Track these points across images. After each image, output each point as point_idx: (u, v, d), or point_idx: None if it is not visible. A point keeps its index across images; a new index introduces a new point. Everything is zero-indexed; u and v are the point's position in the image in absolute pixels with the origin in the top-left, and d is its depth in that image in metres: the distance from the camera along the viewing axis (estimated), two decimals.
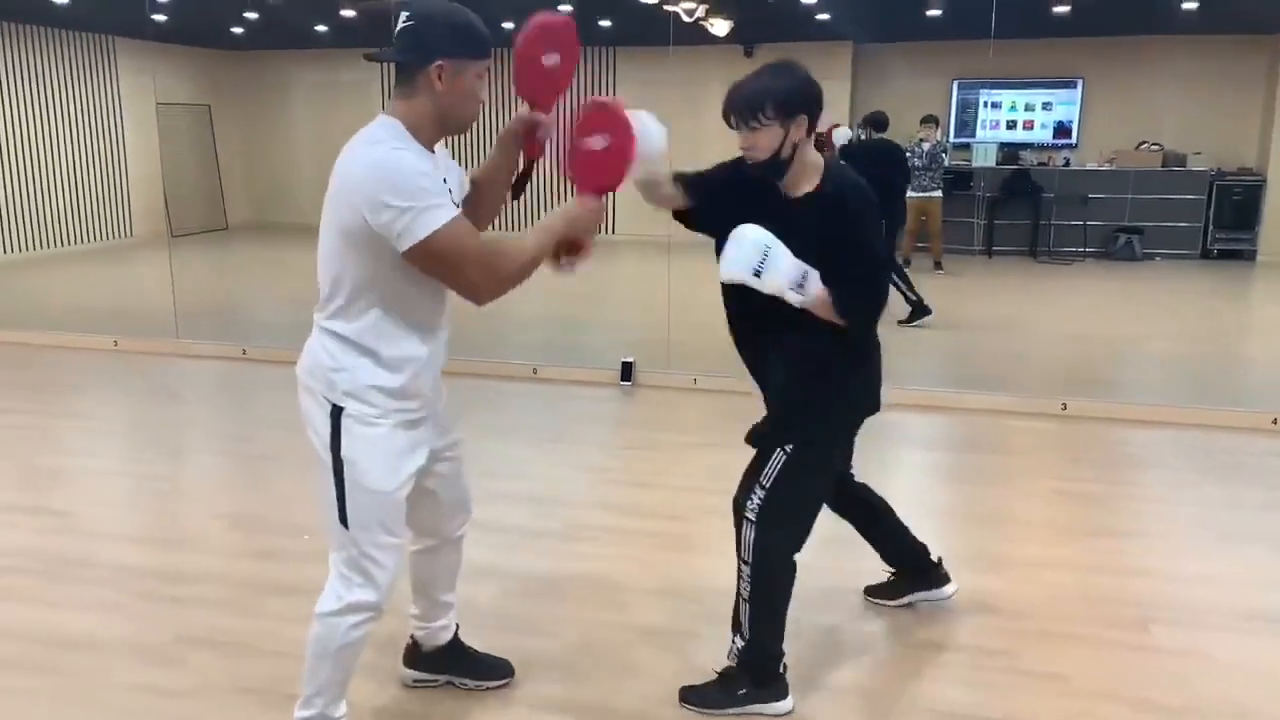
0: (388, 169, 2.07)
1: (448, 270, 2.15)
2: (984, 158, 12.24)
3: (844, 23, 10.93)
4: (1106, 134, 12.22)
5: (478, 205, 2.41)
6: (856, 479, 3.14)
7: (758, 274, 2.41)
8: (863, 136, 8.30)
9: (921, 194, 9.98)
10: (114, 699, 2.74)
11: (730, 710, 2.66)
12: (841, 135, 8.11)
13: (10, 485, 4.47)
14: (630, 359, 6.18)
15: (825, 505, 3.11)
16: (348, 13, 10.23)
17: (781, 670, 2.69)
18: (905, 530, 3.18)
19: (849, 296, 2.46)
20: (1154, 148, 11.99)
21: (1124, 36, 11.78)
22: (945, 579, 3.22)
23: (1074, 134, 12.40)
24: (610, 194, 2.42)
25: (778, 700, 2.67)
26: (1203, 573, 3.56)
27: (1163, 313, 9.17)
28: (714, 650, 2.79)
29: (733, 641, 2.71)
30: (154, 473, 4.69)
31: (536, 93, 2.48)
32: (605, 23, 11.60)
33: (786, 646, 2.71)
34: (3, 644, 3.03)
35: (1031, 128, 12.54)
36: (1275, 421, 5.29)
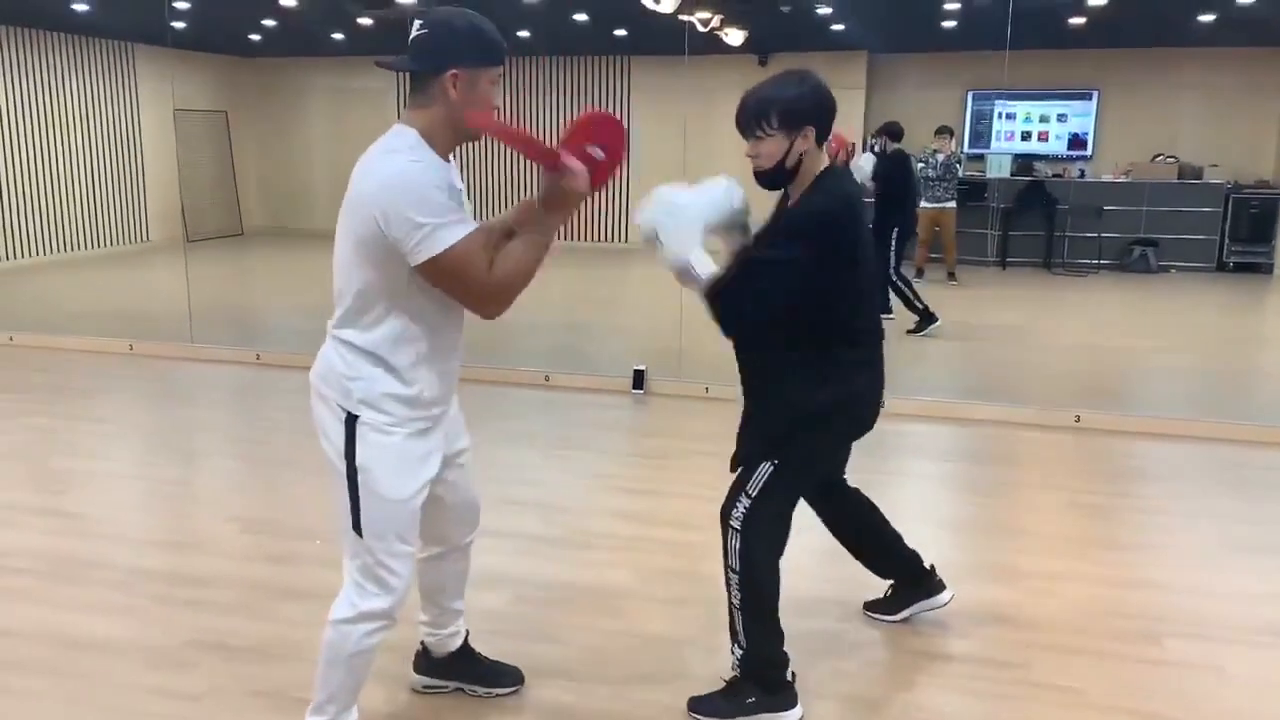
0: (404, 182, 2.08)
1: (457, 286, 2.16)
2: (998, 169, 12.21)
3: (858, 33, 10.93)
4: (1122, 146, 12.18)
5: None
6: (850, 484, 3.12)
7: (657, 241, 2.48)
8: (876, 148, 8.29)
9: (936, 205, 9.97)
10: (125, 702, 2.75)
11: (738, 719, 2.65)
12: (865, 163, 8.07)
13: (24, 487, 4.50)
14: (642, 367, 6.18)
15: (821, 522, 3.12)
16: (364, 20, 10.30)
17: (790, 678, 2.69)
18: (898, 540, 3.16)
19: (723, 279, 2.47)
20: (1170, 160, 11.95)
21: (1140, 48, 11.75)
22: (940, 586, 3.20)
23: (1089, 146, 12.37)
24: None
25: (786, 709, 2.66)
26: (1217, 586, 3.54)
27: (1177, 326, 9.13)
28: (723, 659, 2.78)
29: (733, 651, 2.70)
30: (167, 476, 4.71)
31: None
32: (621, 32, 11.63)
33: (794, 655, 2.70)
34: (15, 645, 3.04)
35: (1046, 139, 12.51)
36: None
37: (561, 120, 13.27)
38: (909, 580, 3.21)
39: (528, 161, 2.46)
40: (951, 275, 10.41)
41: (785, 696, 2.67)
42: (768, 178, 2.57)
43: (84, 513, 4.15)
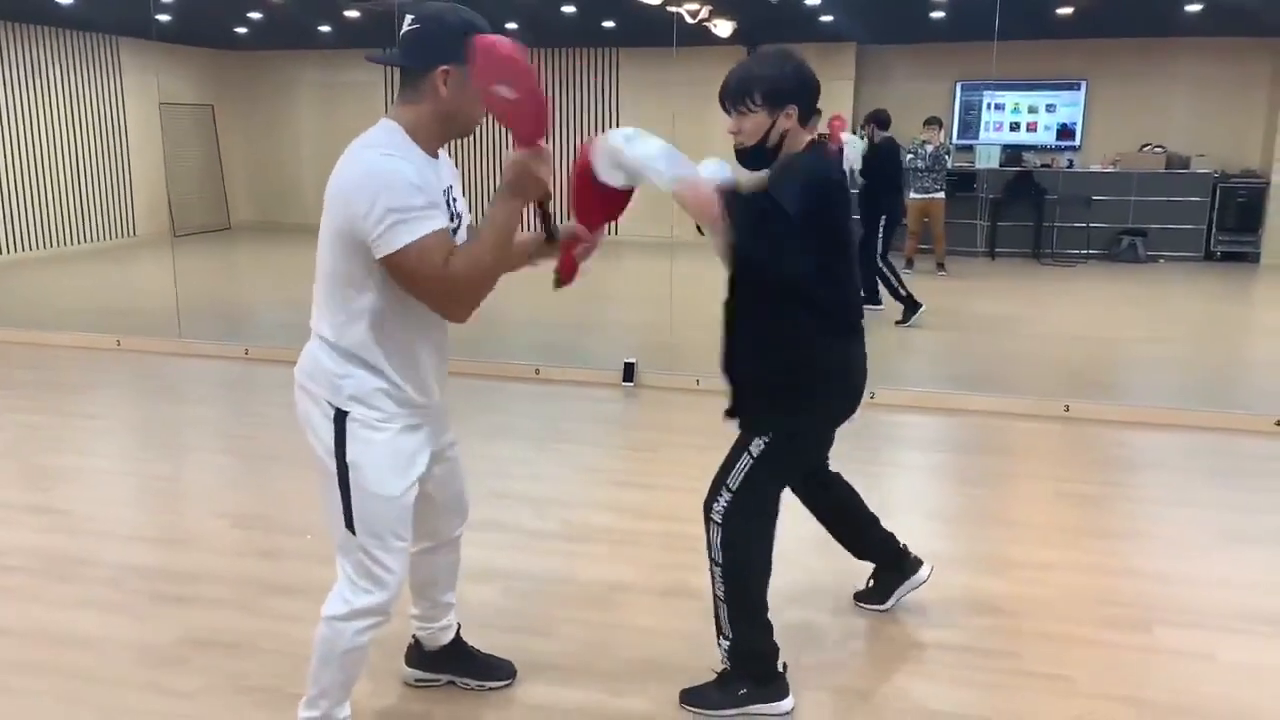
0: (373, 176, 2.05)
1: (416, 283, 2.10)
2: (987, 159, 12.23)
3: (847, 24, 10.92)
4: (1110, 136, 12.21)
5: None
6: (831, 469, 3.13)
7: (628, 139, 2.41)
8: (863, 135, 8.30)
9: (924, 195, 9.99)
10: (118, 699, 2.74)
11: (730, 711, 2.66)
12: (854, 147, 8.08)
13: (13, 484, 4.48)
14: (632, 360, 6.18)
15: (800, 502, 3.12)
16: (351, 13, 10.26)
17: (781, 670, 2.69)
18: (875, 523, 3.17)
19: (742, 213, 2.40)
20: (1157, 150, 11.98)
21: (1128, 39, 11.76)
22: (918, 563, 3.21)
23: (1077, 136, 12.39)
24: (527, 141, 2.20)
25: (778, 700, 2.67)
26: (1206, 574, 3.56)
27: (1166, 315, 9.17)
28: (715, 652, 2.78)
29: (719, 644, 2.70)
30: (156, 472, 4.69)
31: (588, 212, 2.49)
32: (609, 24, 11.61)
33: (785, 646, 2.71)
34: (6, 643, 3.03)
35: (1035, 129, 12.52)
36: (1278, 424, 5.28)
37: (550, 113, 13.24)
38: (888, 564, 3.22)
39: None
40: (941, 266, 10.43)
41: (777, 687, 2.68)
42: (750, 155, 2.56)
43: (74, 509, 4.13)
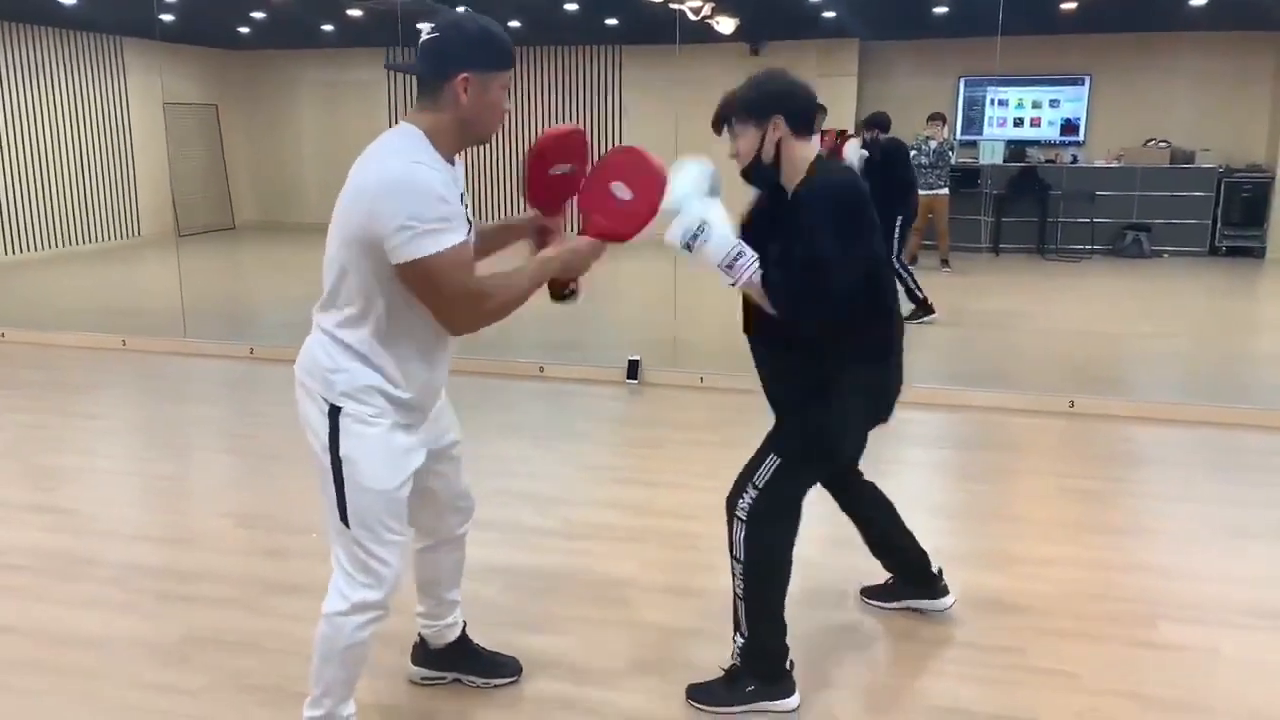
0: (402, 183, 2.06)
1: (431, 295, 2.13)
2: (991, 155, 12.21)
3: (850, 20, 10.91)
4: (1114, 131, 12.18)
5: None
6: (865, 479, 3.13)
7: (689, 248, 2.41)
8: (867, 139, 8.25)
9: (928, 191, 9.95)
10: (122, 698, 2.75)
11: (737, 707, 2.66)
12: (852, 150, 8.05)
13: (18, 483, 4.49)
14: (636, 357, 6.18)
15: (836, 505, 3.12)
16: (354, 12, 10.26)
17: (788, 667, 2.70)
18: (910, 539, 3.16)
19: (780, 280, 2.42)
20: (1162, 145, 11.95)
21: (1131, 33, 11.74)
22: (944, 591, 3.20)
23: (1081, 131, 12.37)
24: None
25: (784, 697, 2.67)
26: (1211, 570, 3.55)
27: (1170, 310, 9.15)
28: (721, 648, 2.79)
29: (734, 640, 2.71)
30: (161, 471, 4.70)
31: (546, 202, 2.49)
32: (611, 21, 11.60)
33: (792, 644, 2.71)
34: (11, 643, 3.04)
35: (1039, 125, 12.50)
36: None
37: (553, 110, 13.24)
38: (916, 582, 3.21)
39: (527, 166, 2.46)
40: (945, 262, 10.41)
41: (783, 685, 2.68)
42: (753, 174, 2.58)
43: (78, 509, 4.14)
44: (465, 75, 2.13)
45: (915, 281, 7.86)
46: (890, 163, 7.96)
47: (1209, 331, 8.10)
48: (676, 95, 8.77)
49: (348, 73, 13.91)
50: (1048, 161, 12.21)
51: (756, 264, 2.43)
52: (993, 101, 12.48)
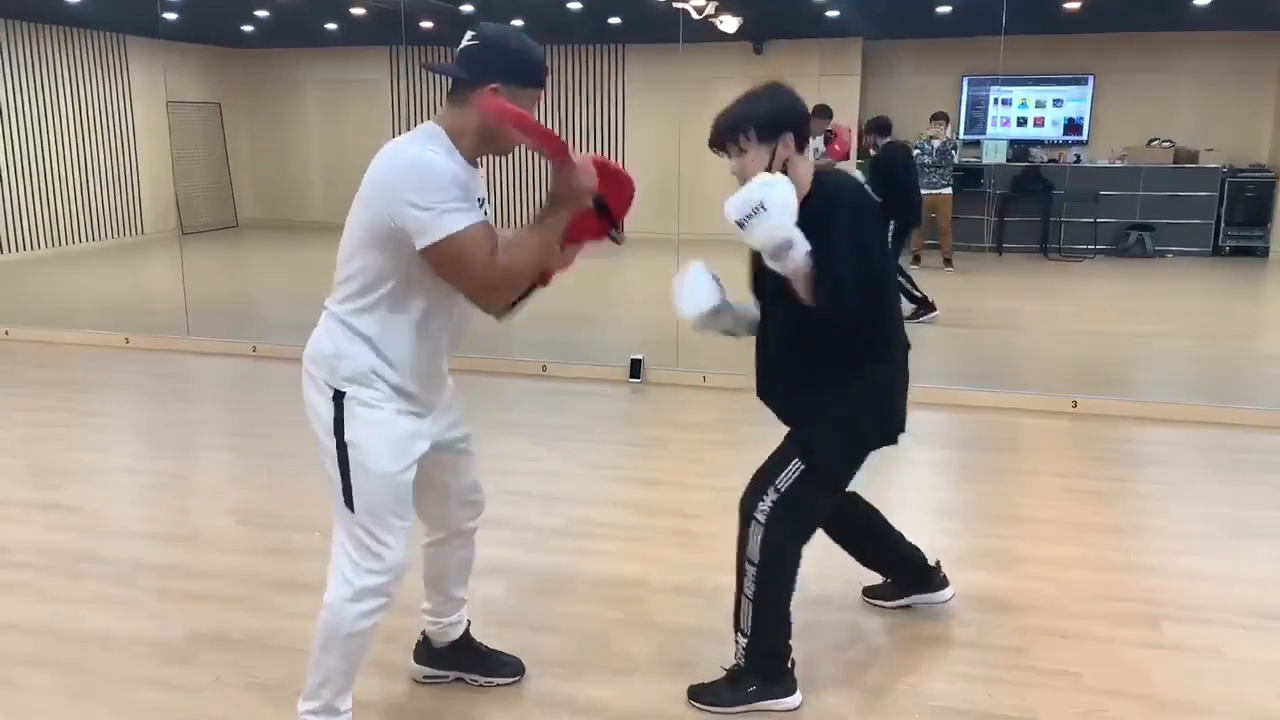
0: (417, 168, 2.12)
1: (457, 273, 2.17)
2: (994, 155, 12.21)
3: (854, 19, 10.90)
4: (1117, 131, 12.17)
5: None
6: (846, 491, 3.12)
7: (742, 225, 2.40)
8: (867, 144, 8.24)
9: (931, 191, 9.96)
10: (127, 695, 2.76)
11: (739, 707, 2.66)
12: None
13: (22, 482, 4.50)
14: (639, 356, 6.18)
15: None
16: (358, 10, 10.26)
17: (790, 666, 2.70)
18: (899, 538, 3.16)
19: (827, 273, 2.42)
20: (1165, 144, 11.94)
21: (1135, 33, 11.73)
22: (944, 582, 3.21)
23: (1085, 131, 12.36)
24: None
25: (786, 696, 2.68)
26: (1214, 570, 3.55)
27: (1174, 310, 9.13)
28: (724, 647, 2.79)
29: (735, 640, 2.71)
30: (165, 469, 4.71)
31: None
32: (615, 20, 11.59)
33: (794, 643, 2.71)
34: (16, 639, 3.05)
35: (1042, 124, 12.50)
36: None
37: (556, 109, 13.24)
38: (912, 578, 3.21)
39: (534, 178, 2.47)
40: (948, 262, 10.41)
41: (785, 684, 2.68)
42: None
43: (83, 507, 4.15)
44: (495, 85, 2.18)
45: (911, 281, 7.86)
46: (908, 169, 7.95)
47: (1212, 332, 8.09)
48: (679, 94, 8.77)
49: (351, 71, 13.92)
50: (1051, 161, 12.20)
51: (806, 255, 2.41)
52: (996, 101, 12.48)
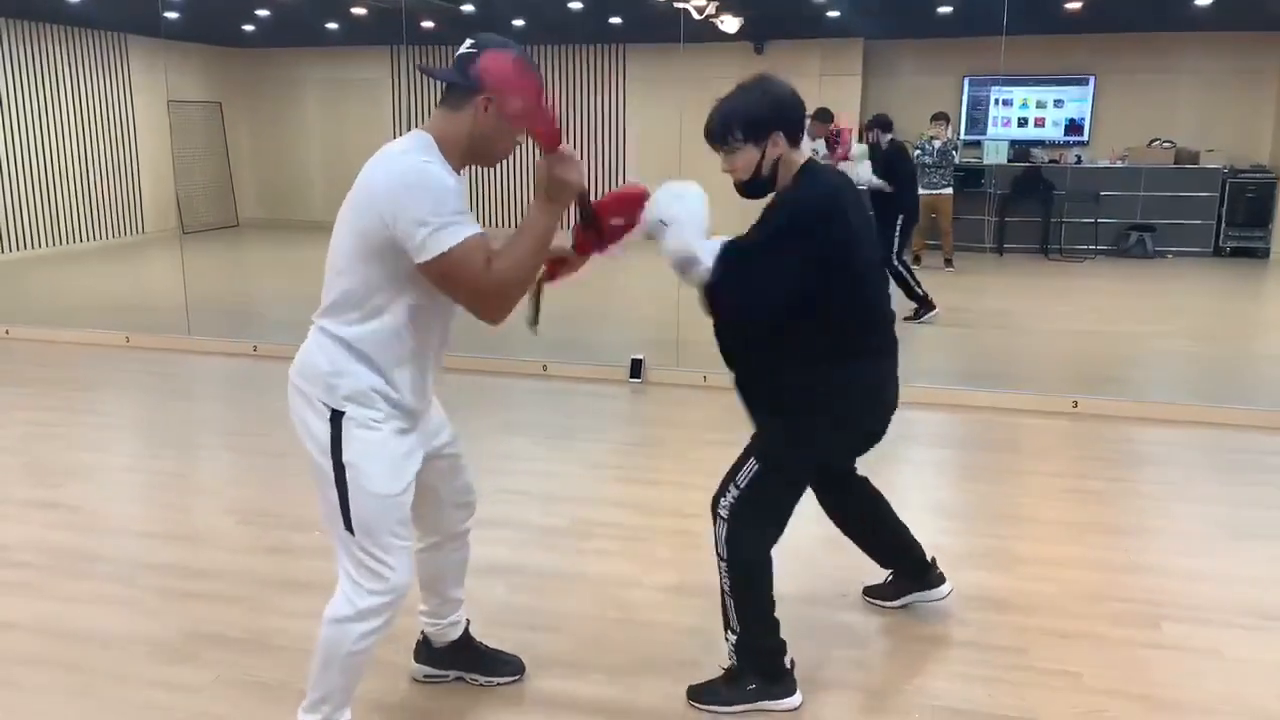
0: (415, 180, 2.09)
1: (456, 286, 2.15)
2: (995, 155, 12.19)
3: (854, 19, 10.90)
4: (1118, 131, 12.17)
5: None
6: (858, 474, 3.12)
7: (650, 236, 2.46)
8: (869, 140, 8.25)
9: (932, 191, 9.96)
10: (127, 694, 2.76)
11: (738, 706, 2.67)
12: (863, 171, 8.05)
13: (23, 480, 4.50)
14: (640, 356, 6.18)
15: (822, 509, 3.12)
16: (358, 10, 10.26)
17: (789, 666, 2.70)
18: (902, 531, 3.16)
19: (719, 272, 2.45)
20: (1166, 145, 11.94)
21: (1136, 33, 11.72)
22: (940, 579, 3.20)
23: (1086, 131, 12.35)
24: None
25: (786, 696, 2.68)
26: (1214, 570, 3.55)
27: (1175, 311, 9.13)
28: (723, 647, 2.79)
29: (726, 638, 2.71)
30: (165, 468, 4.71)
31: (584, 245, 2.52)
32: (615, 20, 11.59)
33: (793, 643, 2.71)
34: (17, 639, 3.05)
35: (1043, 125, 12.49)
36: None
37: (555, 109, 13.24)
38: (910, 571, 3.21)
39: (531, 179, 2.47)
40: (948, 262, 10.41)
41: (784, 684, 2.69)
42: (750, 188, 2.58)
43: (83, 506, 4.15)
44: (489, 96, 2.16)
45: (914, 279, 7.86)
46: (892, 164, 7.97)
47: (1213, 332, 8.09)
48: (680, 94, 8.77)
49: (352, 71, 13.92)
50: (1052, 161, 12.20)
51: (708, 271, 2.45)
52: (997, 101, 12.47)
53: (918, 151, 9.76)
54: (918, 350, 7.05)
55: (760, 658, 2.68)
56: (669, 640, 3.05)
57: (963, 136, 12.27)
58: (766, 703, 2.67)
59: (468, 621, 2.80)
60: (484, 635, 2.85)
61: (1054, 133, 12.46)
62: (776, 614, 2.69)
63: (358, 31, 12.13)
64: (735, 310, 2.51)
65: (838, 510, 3.13)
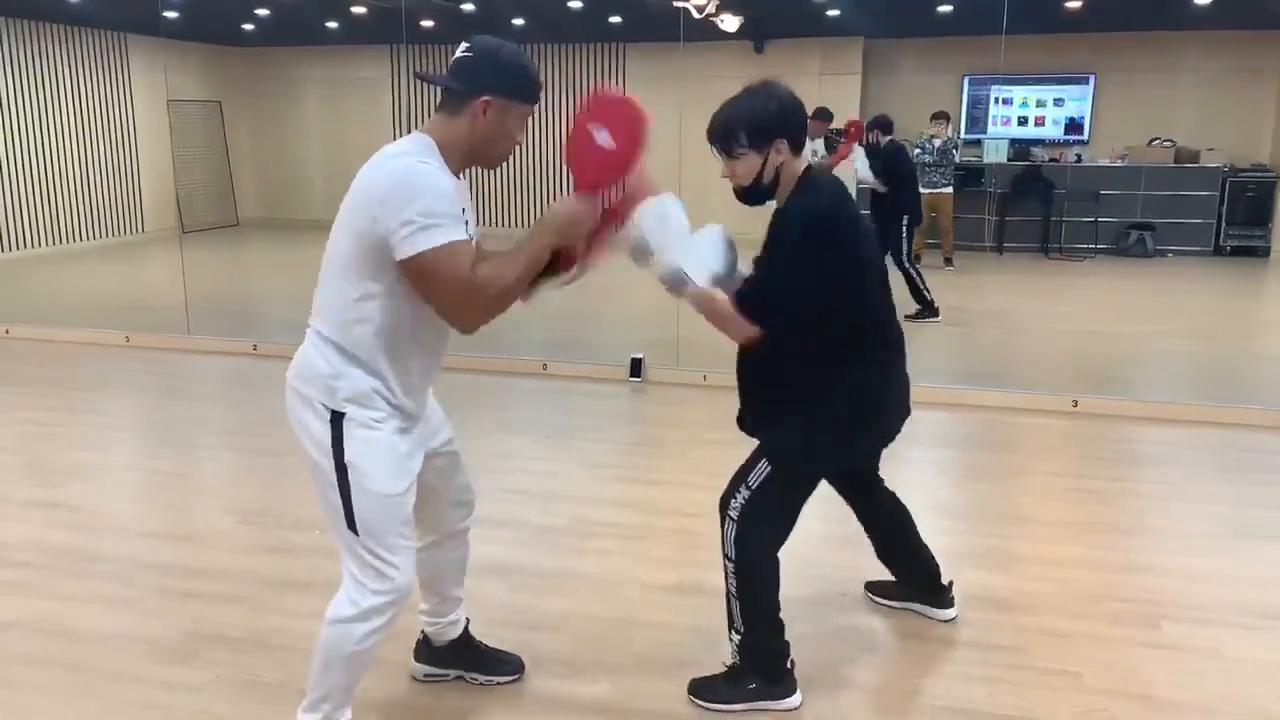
0: (407, 179, 2.09)
1: (434, 288, 2.14)
2: (995, 154, 12.19)
3: (855, 18, 10.90)
4: (1118, 130, 12.16)
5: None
6: (883, 486, 3.13)
7: (635, 260, 2.47)
8: (870, 141, 8.25)
9: (932, 190, 9.96)
10: (127, 693, 2.76)
11: (739, 705, 2.67)
12: (862, 168, 8.06)
13: (23, 480, 4.50)
14: (640, 355, 6.18)
15: (843, 506, 3.12)
16: (358, 9, 10.26)
17: (789, 666, 2.70)
18: (923, 550, 3.16)
19: (751, 296, 2.47)
20: (1166, 144, 11.93)
21: (1136, 32, 11.72)
22: (949, 603, 3.19)
23: (1086, 130, 12.35)
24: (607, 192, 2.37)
25: (786, 696, 2.68)
26: (1215, 570, 3.55)
27: (1175, 310, 9.13)
28: (724, 647, 2.79)
29: (730, 638, 2.71)
30: (165, 468, 4.71)
31: (579, 172, 2.33)
32: (615, 19, 11.59)
33: (794, 643, 2.71)
34: (17, 638, 3.05)
35: (1043, 124, 12.49)
36: None
37: (555, 109, 13.24)
38: (923, 587, 3.20)
39: (531, 178, 2.46)
40: (948, 261, 10.41)
41: (785, 684, 2.69)
42: (749, 194, 2.58)
43: (83, 505, 4.15)
44: (488, 98, 2.17)
45: (924, 283, 7.85)
46: (892, 165, 7.97)
47: (1213, 331, 8.09)
48: (680, 93, 8.76)
49: (352, 70, 13.92)
50: (1052, 160, 12.20)
51: (698, 287, 2.46)
52: (997, 100, 12.47)
53: (918, 150, 9.76)
54: (918, 350, 7.01)
55: (764, 659, 2.68)
56: (669, 640, 3.05)
57: (963, 135, 12.26)
58: (766, 703, 2.67)
59: (467, 620, 2.80)
60: (484, 635, 2.85)
61: (1054, 132, 12.46)
62: (781, 616, 2.69)
63: (357, 31, 12.13)
64: (782, 330, 2.51)
65: (867, 518, 3.14)
